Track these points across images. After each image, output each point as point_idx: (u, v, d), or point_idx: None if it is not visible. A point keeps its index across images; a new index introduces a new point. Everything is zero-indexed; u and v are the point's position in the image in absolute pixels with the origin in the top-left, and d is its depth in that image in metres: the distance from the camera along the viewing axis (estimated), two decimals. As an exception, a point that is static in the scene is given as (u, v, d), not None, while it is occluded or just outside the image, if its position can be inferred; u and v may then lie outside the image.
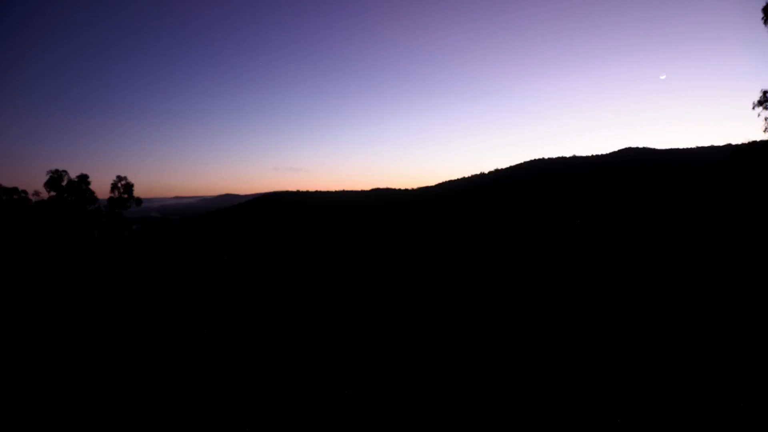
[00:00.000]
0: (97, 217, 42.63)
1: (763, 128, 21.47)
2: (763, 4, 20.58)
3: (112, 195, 42.67)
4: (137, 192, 43.32)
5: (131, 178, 42.97)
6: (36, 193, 40.75)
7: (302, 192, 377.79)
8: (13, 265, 38.28)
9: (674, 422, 13.18)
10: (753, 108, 21.80)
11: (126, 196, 42.77)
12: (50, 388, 17.07)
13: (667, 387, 15.29)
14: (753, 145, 23.12)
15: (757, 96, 21.67)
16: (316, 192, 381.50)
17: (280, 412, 15.09)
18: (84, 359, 20.11)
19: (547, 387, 16.05)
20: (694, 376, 15.88)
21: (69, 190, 41.20)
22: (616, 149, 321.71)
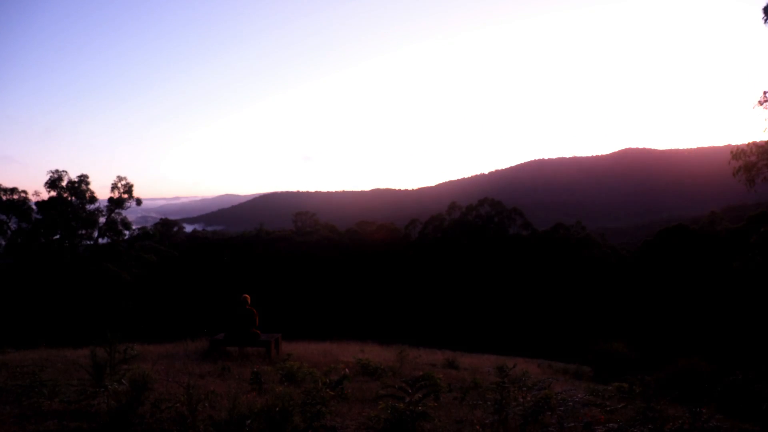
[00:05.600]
0: (97, 217, 42.67)
1: (764, 128, 21.40)
2: (764, 4, 20.52)
3: (112, 195, 42.68)
4: (137, 192, 43.29)
5: (131, 178, 42.93)
6: (36, 193, 40.77)
7: (302, 192, 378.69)
8: (16, 266, 38.34)
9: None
10: (753, 108, 21.69)
11: (126, 196, 42.76)
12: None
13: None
14: (753, 145, 23.04)
15: (757, 96, 21.57)
16: (316, 192, 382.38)
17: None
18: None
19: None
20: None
21: (69, 190, 41.26)
22: (616, 149, 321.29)
